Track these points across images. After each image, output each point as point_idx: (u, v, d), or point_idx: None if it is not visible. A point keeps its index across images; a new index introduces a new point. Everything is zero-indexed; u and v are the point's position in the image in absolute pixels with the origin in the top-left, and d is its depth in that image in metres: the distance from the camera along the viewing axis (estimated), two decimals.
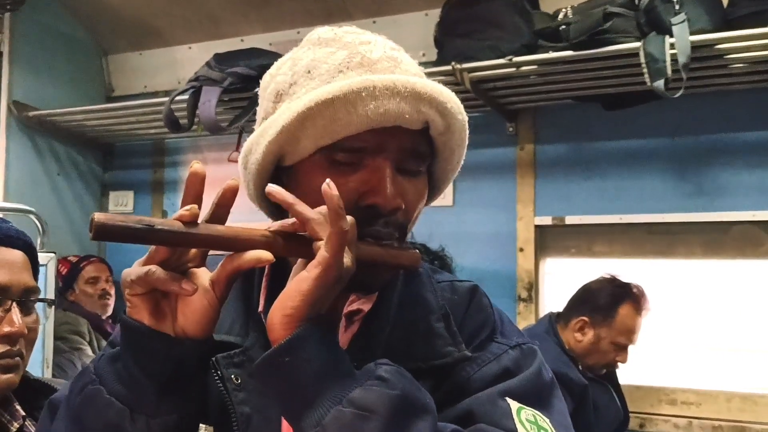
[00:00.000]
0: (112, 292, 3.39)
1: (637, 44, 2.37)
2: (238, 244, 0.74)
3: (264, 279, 0.93)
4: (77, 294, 3.32)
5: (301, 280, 0.74)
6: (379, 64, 0.86)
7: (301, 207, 0.76)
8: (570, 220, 2.97)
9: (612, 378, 2.69)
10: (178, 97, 3.03)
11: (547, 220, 3.01)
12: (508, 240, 3.06)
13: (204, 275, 0.78)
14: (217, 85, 2.92)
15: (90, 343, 3.21)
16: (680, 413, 2.86)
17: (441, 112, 0.84)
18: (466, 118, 0.89)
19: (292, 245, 0.76)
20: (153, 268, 0.74)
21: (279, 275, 0.89)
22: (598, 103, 2.91)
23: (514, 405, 0.83)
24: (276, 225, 0.77)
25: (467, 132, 0.90)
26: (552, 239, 3.07)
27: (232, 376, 0.86)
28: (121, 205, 3.92)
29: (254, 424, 0.85)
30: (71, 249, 3.60)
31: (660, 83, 2.32)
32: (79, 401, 0.79)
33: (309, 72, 0.86)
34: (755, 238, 2.76)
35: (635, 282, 2.61)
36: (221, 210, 0.76)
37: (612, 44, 2.42)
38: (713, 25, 2.37)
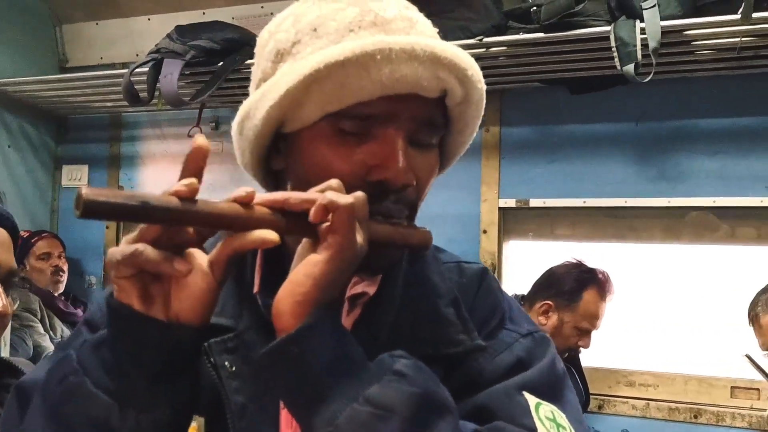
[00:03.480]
0: (65, 268, 3.30)
1: (608, 28, 2.36)
2: (240, 222, 0.67)
3: (258, 258, 0.86)
4: (28, 270, 3.23)
5: (312, 263, 0.67)
6: (393, 23, 0.78)
7: (296, 195, 0.69)
8: (534, 202, 2.98)
9: (575, 361, 2.70)
10: (137, 70, 2.93)
11: (511, 203, 3.01)
12: (472, 222, 3.06)
13: (201, 256, 0.70)
14: (180, 58, 2.82)
15: (41, 321, 3.13)
16: (638, 395, 2.90)
17: (461, 79, 0.78)
18: (485, 88, 0.83)
19: (300, 225, 0.69)
20: (141, 247, 0.65)
21: (274, 254, 0.82)
22: (565, 87, 2.91)
23: (531, 400, 0.78)
24: (263, 198, 0.69)
25: (484, 103, 0.84)
26: (515, 221, 3.07)
27: (226, 363, 0.78)
28: (75, 180, 3.78)
29: (249, 413, 0.78)
30: (21, 224, 3.41)
31: (630, 67, 2.32)
32: (58, 394, 0.71)
33: (315, 30, 0.78)
34: (711, 223, 2.80)
35: (600, 267, 2.62)
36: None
37: (582, 27, 2.41)
38: (683, 10, 2.38)
